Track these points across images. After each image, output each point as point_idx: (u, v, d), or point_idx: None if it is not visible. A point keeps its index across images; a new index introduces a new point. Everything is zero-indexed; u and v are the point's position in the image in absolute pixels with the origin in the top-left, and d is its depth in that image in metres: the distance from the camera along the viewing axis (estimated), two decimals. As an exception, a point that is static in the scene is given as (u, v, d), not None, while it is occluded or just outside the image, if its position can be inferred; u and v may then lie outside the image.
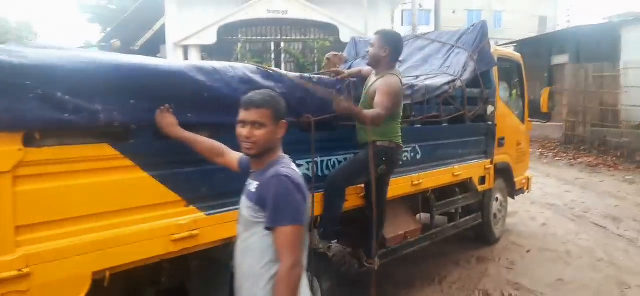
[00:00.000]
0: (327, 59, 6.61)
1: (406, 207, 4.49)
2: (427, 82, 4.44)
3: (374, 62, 3.36)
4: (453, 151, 4.72)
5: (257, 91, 1.93)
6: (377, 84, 3.26)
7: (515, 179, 6.24)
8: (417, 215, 4.63)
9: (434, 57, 5.39)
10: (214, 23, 16.10)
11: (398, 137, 3.40)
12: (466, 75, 4.91)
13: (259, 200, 1.82)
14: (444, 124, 4.55)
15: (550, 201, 8.30)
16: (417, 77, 5.10)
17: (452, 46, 5.34)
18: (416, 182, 4.14)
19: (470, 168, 5.00)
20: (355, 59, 6.31)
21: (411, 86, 4.03)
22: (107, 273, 2.18)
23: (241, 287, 1.89)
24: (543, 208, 7.80)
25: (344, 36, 15.23)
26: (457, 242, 5.87)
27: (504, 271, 5.04)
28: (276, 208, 1.76)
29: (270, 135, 1.87)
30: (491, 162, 5.36)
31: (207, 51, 16.67)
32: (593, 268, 5.12)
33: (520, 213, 7.51)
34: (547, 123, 16.78)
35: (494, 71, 5.44)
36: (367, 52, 6.01)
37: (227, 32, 16.22)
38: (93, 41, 21.52)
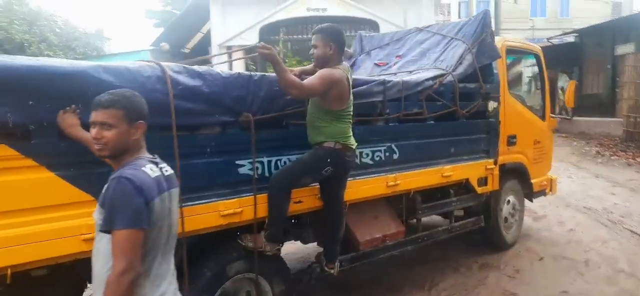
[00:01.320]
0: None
1: (389, 209, 4.28)
2: (409, 77, 4.20)
3: (322, 62, 3.15)
4: (442, 151, 4.42)
5: (109, 91, 1.89)
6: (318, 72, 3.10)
7: (534, 181, 5.77)
8: (403, 217, 4.37)
9: (432, 51, 5.10)
10: (256, 24, 16.41)
11: (347, 138, 3.20)
12: (461, 69, 4.61)
13: (102, 203, 1.78)
14: (430, 122, 4.27)
15: (589, 204, 7.61)
16: (410, 72, 4.88)
17: (452, 39, 5.03)
18: (392, 183, 3.92)
19: (466, 169, 4.67)
20: (360, 55, 6.15)
21: (383, 82, 3.82)
22: (9, 271, 2.23)
23: (95, 292, 1.86)
24: (577, 212, 7.17)
25: (384, 29, 14.94)
26: (465, 247, 5.55)
27: (505, 280, 4.67)
28: (112, 211, 1.71)
29: (122, 137, 1.82)
30: (495, 163, 4.98)
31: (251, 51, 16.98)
32: (608, 281, 4.61)
33: (549, 217, 6.97)
34: (608, 119, 15.50)
35: (500, 64, 5.05)
36: (378, 48, 6.01)
37: (269, 31, 16.44)
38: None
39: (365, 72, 5.58)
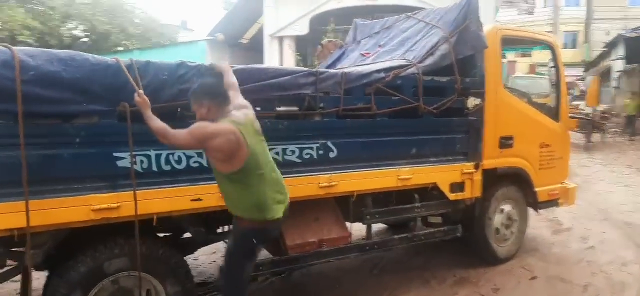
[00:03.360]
0: (322, 45, 6.22)
1: (336, 213, 3.95)
2: (353, 68, 3.82)
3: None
4: (398, 151, 3.98)
5: None
6: None
7: (539, 189, 5.06)
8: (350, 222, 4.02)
9: (411, 40, 4.63)
10: (307, 14, 16.31)
11: (262, 212, 2.65)
12: (430, 60, 4.13)
13: None
14: (382, 118, 3.85)
15: (633, 219, 6.58)
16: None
17: (432, 27, 4.52)
18: (326, 184, 3.59)
19: (433, 173, 4.18)
20: (352, 44, 5.78)
21: (314, 73, 3.48)
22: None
23: None
24: (612, 228, 6.23)
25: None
26: (451, 257, 5.02)
27: (475, 300, 4.14)
28: None
29: None
30: (476, 167, 4.42)
31: (301, 41, 16.97)
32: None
33: (573, 231, 6.14)
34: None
35: (490, 56, 4.45)
36: (368, 36, 5.63)
37: (320, 22, 16.24)
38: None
39: (349, 62, 5.22)
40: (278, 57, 16.74)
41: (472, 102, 4.33)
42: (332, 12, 16.00)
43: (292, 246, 3.63)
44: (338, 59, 5.60)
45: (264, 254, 3.79)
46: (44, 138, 2.59)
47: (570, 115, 5.44)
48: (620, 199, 7.81)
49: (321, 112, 3.57)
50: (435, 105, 4.08)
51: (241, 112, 2.68)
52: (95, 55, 2.77)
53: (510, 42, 5.40)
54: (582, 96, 23.35)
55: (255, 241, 2.70)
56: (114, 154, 2.80)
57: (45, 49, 2.66)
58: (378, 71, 3.83)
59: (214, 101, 2.60)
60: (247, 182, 2.60)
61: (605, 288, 4.36)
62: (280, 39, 16.93)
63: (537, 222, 6.39)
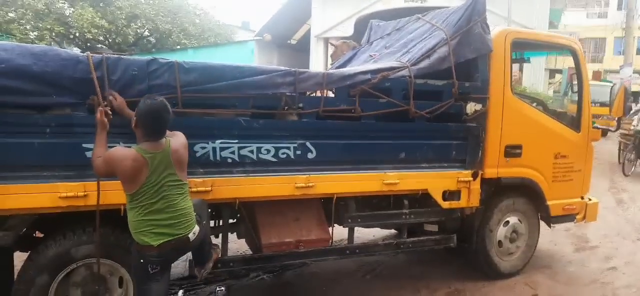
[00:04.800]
0: (335, 46, 6.18)
1: (319, 214, 3.92)
2: (336, 70, 3.77)
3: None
4: (385, 155, 3.87)
5: None
6: None
7: (552, 202, 4.74)
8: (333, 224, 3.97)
9: (413, 42, 4.50)
10: (352, 15, 16.32)
11: (140, 234, 2.62)
12: (425, 63, 3.99)
13: None
14: (368, 121, 3.77)
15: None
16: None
17: (436, 28, 4.37)
18: (303, 185, 3.57)
19: (425, 179, 4.03)
20: (366, 45, 5.71)
21: (293, 73, 3.47)
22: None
23: None
24: (646, 249, 5.73)
25: (490, 23, 13.61)
26: (455, 268, 4.85)
27: (462, 315, 3.96)
28: None
29: None
30: (474, 175, 4.22)
31: (347, 43, 16.90)
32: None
33: (599, 249, 5.71)
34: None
35: (496, 59, 4.24)
36: (380, 38, 5.55)
37: (365, 23, 16.11)
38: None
39: (358, 63, 5.16)
40: (323, 58, 16.83)
41: (471, 107, 4.14)
42: (379, 14, 15.83)
43: (267, 245, 3.64)
44: (349, 60, 5.54)
45: (234, 250, 3.86)
46: (13, 127, 2.77)
47: (595, 125, 5.03)
48: (666, 219, 7.15)
49: (299, 111, 3.56)
50: (428, 109, 3.94)
51: (166, 139, 2.71)
52: (68, 51, 2.93)
53: (524, 46, 5.11)
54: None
55: (142, 261, 2.65)
56: (83, 145, 2.94)
57: (20, 44, 2.86)
58: (364, 73, 3.75)
59: (140, 122, 2.63)
60: (134, 205, 2.62)
61: (612, 315, 4.02)
62: (326, 40, 16.99)
63: (561, 238, 6.03)
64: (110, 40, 23.67)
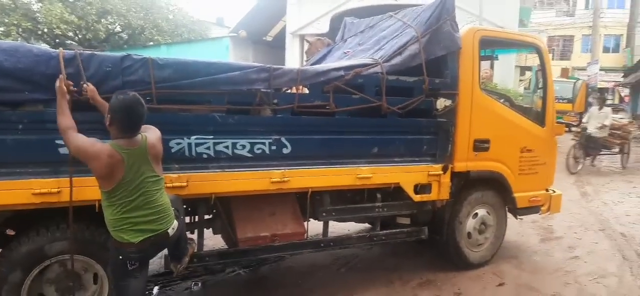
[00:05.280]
0: (310, 43, 6.26)
1: (294, 208, 3.99)
2: (310, 66, 3.84)
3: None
4: (358, 150, 3.98)
5: None
6: None
7: (519, 195, 4.93)
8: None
9: (385, 39, 4.61)
10: (328, 12, 16.38)
11: (118, 231, 2.62)
12: (397, 60, 4.10)
13: None
14: (342, 117, 3.85)
15: (632, 232, 6.30)
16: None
17: (408, 26, 4.49)
18: (278, 180, 3.64)
19: (397, 173, 4.15)
20: (339, 42, 5.81)
21: (268, 69, 3.53)
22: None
23: None
24: (606, 239, 6.00)
25: (460, 21, 13.88)
26: (427, 259, 4.99)
27: (433, 304, 4.09)
28: None
29: None
30: (444, 169, 4.36)
31: (322, 40, 16.98)
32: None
33: (564, 240, 5.96)
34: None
35: (465, 57, 4.39)
36: (353, 35, 5.64)
37: (341, 20, 16.21)
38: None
39: (332, 60, 5.25)
40: (299, 55, 16.86)
41: (441, 103, 4.27)
42: (353, 11, 15.93)
43: (243, 239, 3.70)
44: (323, 57, 5.63)
45: (210, 246, 3.90)
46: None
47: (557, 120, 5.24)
48: (626, 210, 7.49)
49: (274, 107, 3.62)
50: (399, 105, 4.05)
51: (142, 134, 2.70)
52: (40, 47, 2.92)
53: (491, 44, 5.29)
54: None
55: (121, 258, 2.65)
56: (56, 142, 2.92)
57: (-9, 41, 2.83)
58: (337, 69, 3.84)
59: (115, 117, 2.60)
60: (112, 202, 2.60)
61: (574, 300, 4.22)
62: (302, 37, 17.04)
63: (527, 229, 6.26)
64: (80, 37, 23.13)
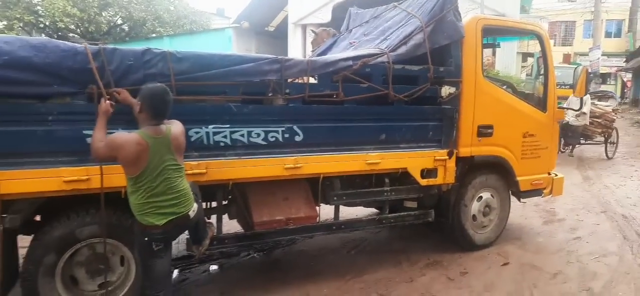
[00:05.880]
0: (315, 33, 6.40)
1: (306, 193, 4.17)
2: (323, 57, 3.99)
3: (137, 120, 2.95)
4: (367, 136, 4.14)
5: None
6: None
7: (521, 178, 5.10)
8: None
9: (390, 30, 4.74)
10: (330, 1, 16.42)
11: (143, 215, 2.80)
12: (403, 49, 4.25)
13: None
14: (350, 105, 4.01)
15: (633, 214, 6.47)
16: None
17: (412, 16, 4.63)
18: (291, 166, 3.81)
19: (404, 158, 4.32)
20: (345, 33, 5.94)
21: (279, 60, 3.69)
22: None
23: None
24: (607, 221, 6.17)
25: (462, 9, 13.95)
26: (434, 242, 5.18)
27: (439, 281, 4.26)
28: None
29: None
30: (450, 154, 4.52)
31: (324, 30, 17.07)
32: (559, 300, 3.98)
33: (566, 222, 6.14)
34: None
35: (468, 45, 4.53)
36: (358, 25, 5.78)
37: (342, 10, 16.27)
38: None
39: (338, 50, 5.40)
40: (301, 45, 16.96)
41: (446, 90, 4.43)
42: (355, 0, 16.01)
43: (259, 223, 3.88)
44: (329, 47, 5.77)
45: (230, 228, 4.09)
46: (18, 116, 2.92)
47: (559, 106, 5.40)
48: (627, 192, 7.66)
49: (286, 97, 3.78)
50: (405, 93, 4.21)
51: (167, 126, 2.89)
52: (67, 43, 3.08)
53: (493, 32, 5.43)
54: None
55: (146, 240, 2.85)
56: (84, 132, 3.10)
57: (21, 37, 2.99)
58: (345, 59, 3.99)
59: (147, 106, 2.81)
60: (138, 187, 2.78)
61: (574, 276, 4.40)
62: (304, 27, 17.12)
63: (531, 212, 6.43)
64: (82, 29, 23.20)
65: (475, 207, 4.95)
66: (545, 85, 5.28)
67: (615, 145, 11.21)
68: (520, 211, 6.37)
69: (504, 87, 5.37)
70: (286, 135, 3.80)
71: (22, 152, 2.96)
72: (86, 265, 3.34)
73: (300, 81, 4.09)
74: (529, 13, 21.26)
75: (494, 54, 15.11)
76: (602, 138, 10.98)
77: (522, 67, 25.61)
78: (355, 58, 4.04)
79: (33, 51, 2.90)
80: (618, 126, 11.46)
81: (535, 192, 5.33)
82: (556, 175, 5.48)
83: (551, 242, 5.37)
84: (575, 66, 15.17)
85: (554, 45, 34.89)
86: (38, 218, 3.45)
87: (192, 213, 3.00)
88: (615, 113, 11.51)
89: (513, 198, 5.28)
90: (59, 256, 3.20)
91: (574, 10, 33.69)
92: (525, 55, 26.99)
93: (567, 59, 26.47)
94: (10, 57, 2.83)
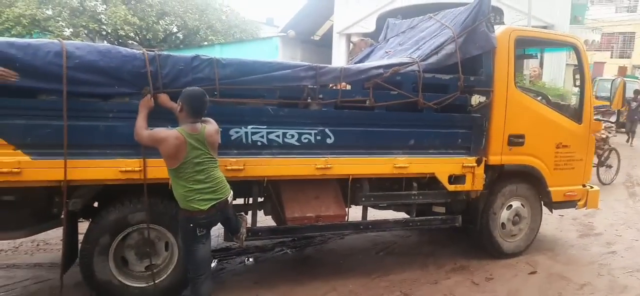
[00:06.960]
0: (354, 43, 6.65)
1: (336, 192, 4.42)
2: (356, 65, 4.24)
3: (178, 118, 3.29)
4: (396, 141, 4.34)
5: None
6: None
7: (554, 189, 5.12)
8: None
9: (424, 40, 4.94)
10: (374, 11, 16.66)
11: (188, 202, 3.13)
12: (433, 59, 4.44)
13: None
14: (380, 111, 4.24)
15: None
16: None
17: (445, 27, 4.80)
18: (322, 166, 4.08)
19: (432, 164, 4.48)
20: (382, 43, 6.17)
21: (315, 68, 3.97)
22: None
23: None
24: (649, 236, 6.04)
25: (509, 19, 13.79)
26: (463, 247, 5.29)
27: (463, 286, 4.39)
28: None
29: None
30: (478, 162, 4.64)
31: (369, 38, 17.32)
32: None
33: (603, 236, 6.05)
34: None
35: (501, 56, 4.65)
36: (395, 35, 6.01)
37: (386, 20, 16.48)
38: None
39: (374, 59, 5.63)
40: (345, 54, 17.24)
41: (476, 99, 4.56)
42: (400, 10, 16.05)
43: (291, 218, 4.16)
44: (367, 56, 6.02)
45: (264, 222, 4.39)
46: (85, 113, 3.36)
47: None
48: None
49: (320, 102, 4.05)
50: (435, 101, 4.39)
51: (202, 124, 3.23)
52: (127, 49, 3.50)
53: (527, 43, 5.48)
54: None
55: (191, 226, 3.18)
56: (139, 128, 3.50)
57: (87, 43, 3.44)
58: (377, 68, 4.23)
59: (187, 106, 3.17)
60: (180, 177, 3.13)
61: (603, 288, 4.40)
62: (348, 36, 17.41)
63: (567, 225, 6.38)
64: (140, 37, 24.59)
65: (504, 215, 5.02)
66: (581, 96, 5.29)
67: (614, 169, 9.48)
68: (557, 224, 6.34)
69: (539, 97, 5.41)
70: (318, 137, 4.07)
71: (87, 144, 3.38)
72: (135, 248, 3.73)
73: (334, 87, 4.38)
74: (582, 23, 20.58)
75: (541, 65, 14.80)
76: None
77: (575, 78, 24.72)
78: (386, 66, 4.27)
79: (99, 56, 3.34)
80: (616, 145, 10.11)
81: (569, 203, 5.32)
82: (591, 187, 5.45)
83: (584, 255, 5.34)
84: (613, 79, 14.61)
85: (611, 58, 33.44)
86: (96, 204, 3.90)
87: (230, 199, 3.34)
88: (609, 131, 10.28)
89: (545, 209, 5.29)
90: (113, 238, 3.61)
91: (633, 21, 32.21)
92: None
93: (622, 71, 25.31)
94: (81, 60, 3.26)
